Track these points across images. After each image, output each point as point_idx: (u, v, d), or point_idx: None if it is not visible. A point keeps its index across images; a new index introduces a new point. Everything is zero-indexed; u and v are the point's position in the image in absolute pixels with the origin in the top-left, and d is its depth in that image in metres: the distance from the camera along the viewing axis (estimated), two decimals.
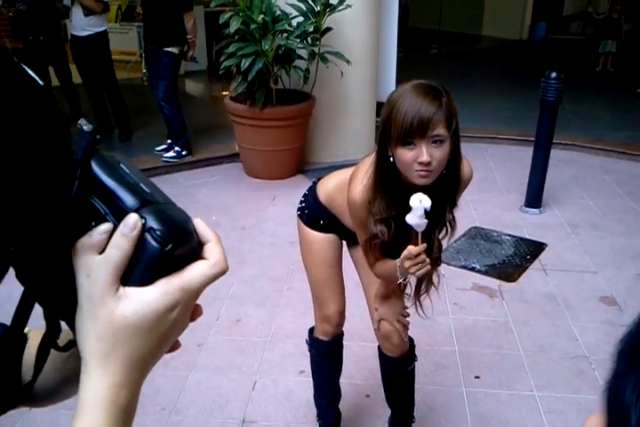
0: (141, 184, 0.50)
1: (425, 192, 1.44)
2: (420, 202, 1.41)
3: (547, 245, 3.84)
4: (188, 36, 4.95)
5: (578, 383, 2.62)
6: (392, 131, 1.44)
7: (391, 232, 1.59)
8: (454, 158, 1.51)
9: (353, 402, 2.48)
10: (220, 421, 2.41)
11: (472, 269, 3.56)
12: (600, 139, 5.72)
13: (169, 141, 5.19)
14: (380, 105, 5.64)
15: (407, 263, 1.48)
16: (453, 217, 1.63)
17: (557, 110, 4.05)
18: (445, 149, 1.45)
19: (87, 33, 5.29)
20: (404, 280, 1.64)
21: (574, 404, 2.50)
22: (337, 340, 2.14)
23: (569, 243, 3.89)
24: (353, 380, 2.56)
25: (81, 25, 5.28)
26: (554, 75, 3.91)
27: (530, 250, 3.78)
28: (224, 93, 7.10)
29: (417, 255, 1.46)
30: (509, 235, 3.98)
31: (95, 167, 0.49)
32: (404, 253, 1.47)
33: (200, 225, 0.52)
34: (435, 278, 1.75)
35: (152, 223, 0.46)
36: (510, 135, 5.72)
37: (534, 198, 4.29)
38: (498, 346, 2.88)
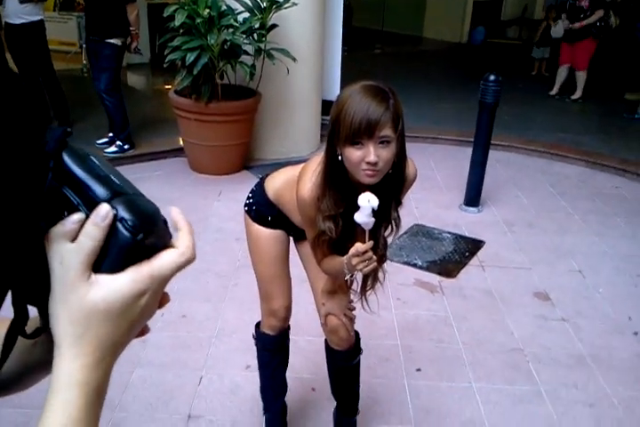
0: (111, 176, 0.52)
1: (372, 191, 1.49)
2: (368, 201, 1.46)
3: (484, 243, 3.98)
4: (131, 28, 4.86)
5: (513, 375, 2.74)
6: (341, 131, 1.47)
7: (339, 229, 1.63)
8: (400, 159, 1.56)
9: (299, 395, 2.51)
10: (165, 416, 2.40)
11: (414, 265, 3.66)
12: (535, 140, 5.95)
13: (110, 135, 5.08)
14: (325, 103, 5.71)
15: (355, 260, 1.52)
16: (398, 215, 1.68)
17: (495, 112, 4.19)
18: (392, 150, 1.49)
19: (22, 21, 5.05)
20: (351, 277, 1.68)
21: (509, 395, 2.62)
22: (283, 334, 2.17)
23: (505, 240, 4.05)
24: (299, 374, 2.59)
25: (16, 12, 5.03)
26: (492, 77, 4.05)
27: (469, 247, 3.91)
28: (167, 87, 7.01)
29: (364, 253, 1.50)
30: (449, 232, 4.10)
31: (67, 159, 0.51)
32: (352, 250, 1.52)
33: (175, 214, 0.55)
34: (380, 275, 1.80)
35: (123, 213, 0.49)
36: (451, 136, 5.88)
37: (473, 197, 4.44)
38: (438, 340, 2.98)
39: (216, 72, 4.48)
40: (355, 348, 2.13)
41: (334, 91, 5.93)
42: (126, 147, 4.99)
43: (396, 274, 3.54)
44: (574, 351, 2.92)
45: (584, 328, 3.11)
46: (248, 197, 2.01)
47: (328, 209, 1.58)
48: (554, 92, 7.79)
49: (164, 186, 4.65)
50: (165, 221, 0.54)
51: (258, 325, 2.20)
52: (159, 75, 7.88)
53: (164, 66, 4.51)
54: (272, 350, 2.18)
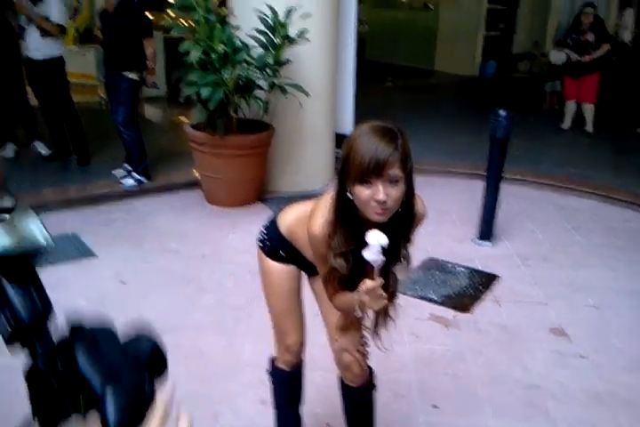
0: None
1: (381, 228, 1.52)
2: (377, 240, 1.49)
3: (499, 277, 3.97)
4: (148, 62, 4.99)
5: (529, 412, 2.71)
6: (350, 170, 1.51)
7: (350, 266, 1.65)
8: (409, 197, 1.58)
9: None
10: None
11: (429, 299, 3.65)
12: (547, 174, 5.98)
13: (128, 168, 5.17)
14: (338, 136, 5.79)
15: (364, 297, 1.54)
16: (408, 252, 1.70)
17: (507, 147, 4.23)
18: (401, 189, 1.52)
19: (43, 56, 5.22)
20: (362, 313, 1.70)
21: None
22: (297, 369, 2.18)
23: (520, 274, 4.04)
24: (313, 409, 2.57)
25: (37, 47, 5.19)
26: (503, 113, 4.09)
27: (483, 281, 3.91)
28: (183, 120, 7.13)
29: (374, 290, 1.52)
30: (463, 266, 4.10)
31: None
32: (361, 287, 1.54)
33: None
34: (392, 311, 1.80)
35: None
36: (463, 169, 5.91)
37: (486, 231, 4.44)
38: (453, 375, 2.96)
39: (231, 106, 4.57)
40: (369, 384, 2.13)
41: (347, 124, 6.02)
42: (143, 179, 5.07)
43: (411, 308, 3.53)
44: (591, 388, 2.89)
45: (601, 365, 3.07)
46: (262, 233, 2.04)
47: (339, 246, 1.61)
48: (565, 126, 7.84)
49: (180, 218, 4.70)
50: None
51: (272, 360, 2.20)
52: (175, 108, 8.03)
53: (181, 101, 4.61)
54: (287, 385, 2.19)
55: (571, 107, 7.76)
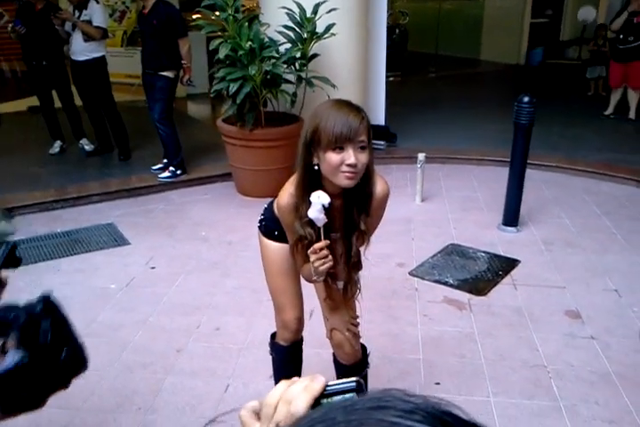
0: None
1: (343, 199, 1.65)
2: (318, 198, 1.65)
3: (520, 262, 3.99)
4: (183, 62, 5.20)
5: (533, 390, 2.76)
6: (322, 138, 1.66)
7: (316, 234, 1.78)
8: (368, 169, 1.74)
9: None
10: (192, 420, 2.57)
11: (445, 283, 3.72)
12: (582, 160, 5.89)
13: (165, 161, 5.41)
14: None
15: (312, 257, 1.68)
16: (367, 228, 1.82)
17: (531, 133, 4.23)
18: (366, 155, 1.69)
19: (85, 58, 5.53)
20: (318, 279, 1.82)
21: (527, 409, 2.64)
22: (295, 345, 2.30)
23: (541, 259, 4.04)
24: None
25: (80, 50, 5.51)
26: (526, 99, 4.11)
27: (503, 266, 3.94)
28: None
29: (320, 250, 1.64)
30: (485, 252, 4.14)
31: None
32: (310, 249, 1.67)
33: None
34: (359, 283, 1.96)
35: None
36: (495, 156, 5.89)
37: (511, 217, 4.45)
38: (461, 355, 3.03)
39: (259, 100, 4.73)
40: (360, 362, 2.22)
41: (378, 115, 6.10)
42: (178, 172, 5.30)
43: (426, 292, 3.62)
44: (600, 369, 2.90)
45: (612, 346, 3.08)
46: (261, 214, 2.18)
47: (306, 215, 1.75)
48: (608, 112, 7.66)
49: (212, 209, 4.91)
50: None
51: (273, 336, 2.34)
52: (217, 104, 8.27)
53: (212, 95, 4.80)
54: (284, 360, 2.32)
55: (617, 93, 7.57)
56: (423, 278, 3.76)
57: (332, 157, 1.66)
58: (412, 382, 2.82)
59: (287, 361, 2.33)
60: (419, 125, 7.10)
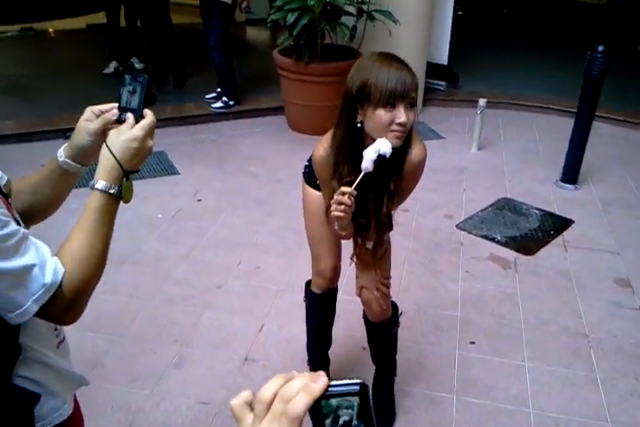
0: None
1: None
2: (380, 146, 1.59)
3: (574, 222, 3.84)
4: None
5: (570, 359, 2.71)
6: (373, 94, 1.56)
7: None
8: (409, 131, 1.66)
9: (349, 352, 2.65)
10: (225, 356, 2.63)
11: (492, 239, 3.61)
12: None
13: (218, 90, 5.32)
14: (431, 66, 5.60)
15: (332, 201, 1.61)
16: (398, 191, 1.77)
17: (601, 86, 3.95)
18: (415, 113, 1.61)
19: None
20: (339, 230, 1.78)
21: (561, 377, 2.60)
22: (329, 294, 2.28)
23: (597, 221, 3.88)
24: (353, 332, 2.72)
25: None
26: (600, 48, 3.79)
27: (555, 225, 3.80)
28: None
29: (344, 194, 1.56)
30: (538, 209, 3.99)
31: None
32: (337, 191, 1.60)
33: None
34: (388, 244, 1.96)
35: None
36: (561, 106, 5.58)
37: (570, 174, 4.26)
38: (500, 315, 2.98)
39: (317, 33, 4.53)
40: (390, 321, 2.20)
41: (441, 53, 5.81)
42: (231, 103, 5.21)
43: (472, 247, 3.54)
44: None
45: None
46: (307, 160, 2.11)
47: (346, 175, 1.67)
48: None
49: (262, 143, 4.85)
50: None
51: (308, 283, 2.33)
52: (277, 31, 8.00)
53: (268, 25, 4.63)
54: (317, 307, 2.31)
55: None
56: (470, 233, 3.66)
57: (383, 114, 1.57)
58: (447, 339, 2.79)
59: (320, 309, 2.32)
60: (483, 66, 6.75)
